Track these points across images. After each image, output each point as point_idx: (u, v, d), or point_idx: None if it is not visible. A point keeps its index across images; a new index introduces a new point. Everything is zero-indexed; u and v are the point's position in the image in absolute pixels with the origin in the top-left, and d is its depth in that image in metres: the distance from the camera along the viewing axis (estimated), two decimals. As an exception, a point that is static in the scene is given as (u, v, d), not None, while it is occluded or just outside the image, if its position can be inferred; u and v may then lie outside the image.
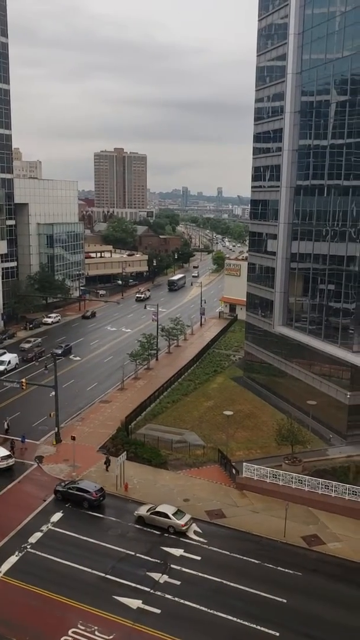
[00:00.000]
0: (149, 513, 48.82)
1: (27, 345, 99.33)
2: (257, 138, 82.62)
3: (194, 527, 48.43)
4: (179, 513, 48.35)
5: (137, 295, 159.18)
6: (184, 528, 47.32)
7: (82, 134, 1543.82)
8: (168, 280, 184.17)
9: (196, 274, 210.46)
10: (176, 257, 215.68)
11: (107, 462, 58.15)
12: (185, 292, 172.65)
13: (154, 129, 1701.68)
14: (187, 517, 48.20)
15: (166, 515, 47.91)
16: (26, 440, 63.94)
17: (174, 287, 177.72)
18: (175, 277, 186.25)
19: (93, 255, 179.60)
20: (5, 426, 66.51)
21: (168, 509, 48.54)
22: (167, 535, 47.17)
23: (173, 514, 47.96)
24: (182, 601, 39.38)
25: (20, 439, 63.39)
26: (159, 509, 48.75)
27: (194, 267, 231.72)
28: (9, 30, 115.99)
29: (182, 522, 47.43)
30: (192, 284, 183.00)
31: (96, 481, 55.33)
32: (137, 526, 48.54)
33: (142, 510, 49.45)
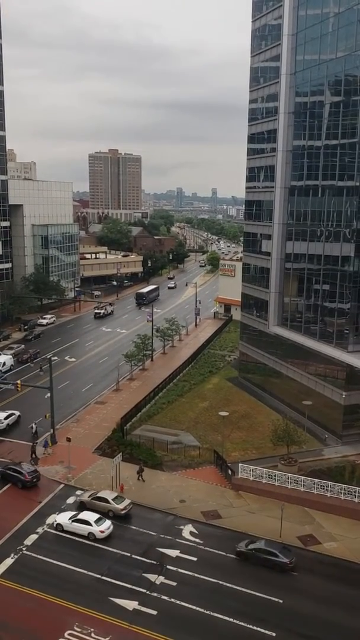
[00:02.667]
0: (90, 498, 50.96)
1: (9, 352, 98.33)
2: (252, 139, 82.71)
3: (190, 527, 48.48)
4: (118, 498, 50.71)
5: (96, 310, 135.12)
6: (122, 512, 49.55)
7: (77, 135, 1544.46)
8: (136, 292, 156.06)
9: (173, 285, 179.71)
10: (171, 257, 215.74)
11: (140, 471, 56.40)
12: (158, 305, 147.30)
13: (148, 129, 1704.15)
14: (126, 502, 50.49)
15: (106, 500, 50.24)
16: (48, 446, 62.47)
17: (142, 300, 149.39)
18: (145, 290, 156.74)
19: (88, 256, 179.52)
20: (33, 430, 65.38)
21: (108, 494, 50.92)
22: (162, 536, 47.19)
23: (113, 499, 50.25)
24: (178, 602, 39.36)
25: (43, 444, 62.36)
26: (99, 494, 51.14)
27: (169, 277, 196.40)
28: (2, 31, 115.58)
29: (120, 506, 49.83)
30: (184, 287, 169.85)
31: (92, 483, 55.33)
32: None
33: (84, 496, 51.73)
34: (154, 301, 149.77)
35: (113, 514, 49.49)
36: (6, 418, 68.15)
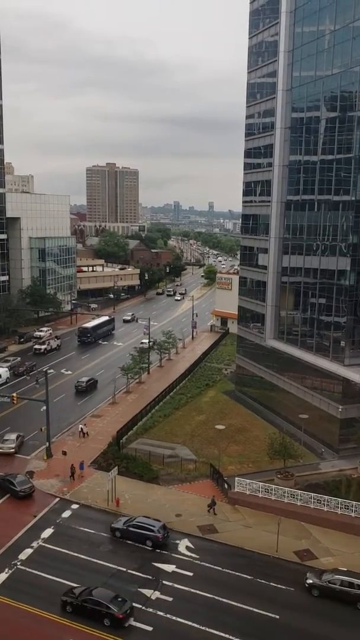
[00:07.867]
0: None
1: (5, 365, 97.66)
2: (248, 153, 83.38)
3: (186, 542, 48.13)
4: None
5: (35, 346, 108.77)
6: None
7: (74, 149, 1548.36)
8: (79, 328, 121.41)
9: (129, 317, 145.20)
10: (167, 271, 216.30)
11: (212, 505, 52.84)
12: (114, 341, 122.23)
13: (145, 144, 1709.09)
14: None
15: None
16: (84, 467, 60.43)
17: (86, 338, 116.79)
18: (91, 324, 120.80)
19: (85, 269, 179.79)
20: (84, 431, 68.04)
21: None
22: (158, 550, 46.83)
23: None
24: (174, 618, 38.98)
25: (79, 465, 60.19)
26: None
27: (103, 316, 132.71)
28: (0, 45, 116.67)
29: None
30: (141, 322, 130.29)
31: (87, 497, 54.95)
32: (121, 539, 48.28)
33: None
34: (106, 336, 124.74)
35: None
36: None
